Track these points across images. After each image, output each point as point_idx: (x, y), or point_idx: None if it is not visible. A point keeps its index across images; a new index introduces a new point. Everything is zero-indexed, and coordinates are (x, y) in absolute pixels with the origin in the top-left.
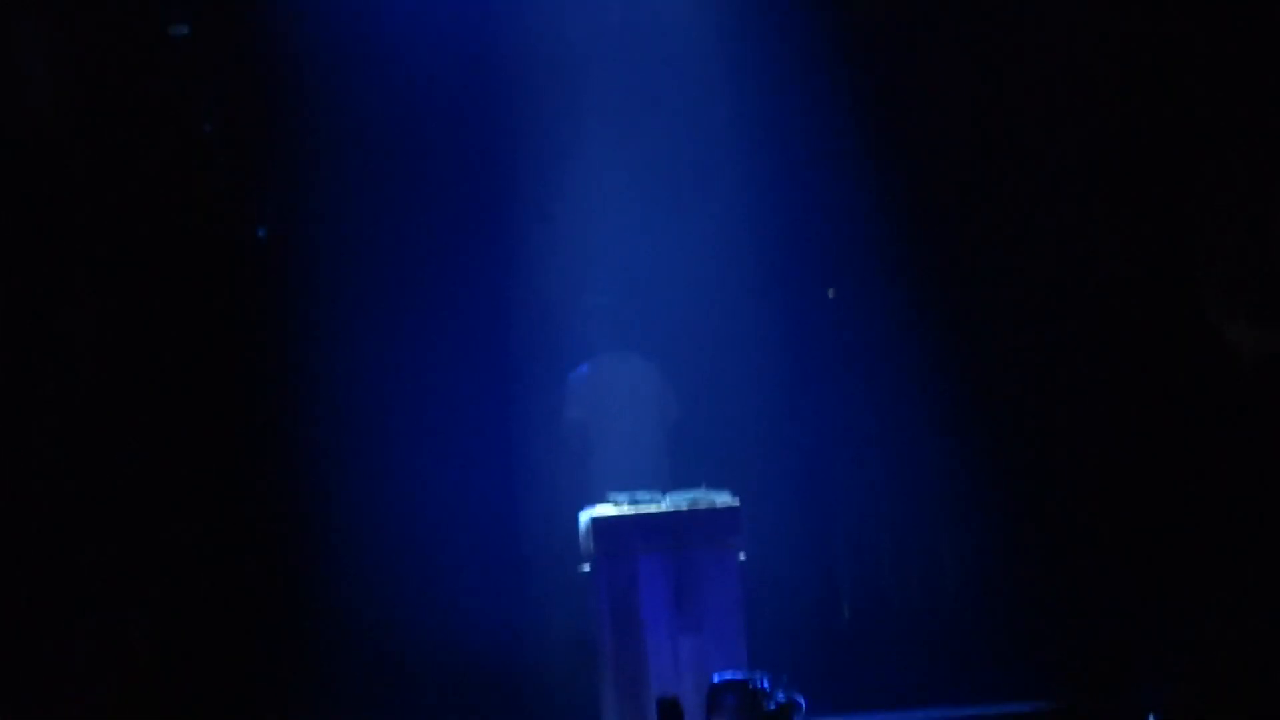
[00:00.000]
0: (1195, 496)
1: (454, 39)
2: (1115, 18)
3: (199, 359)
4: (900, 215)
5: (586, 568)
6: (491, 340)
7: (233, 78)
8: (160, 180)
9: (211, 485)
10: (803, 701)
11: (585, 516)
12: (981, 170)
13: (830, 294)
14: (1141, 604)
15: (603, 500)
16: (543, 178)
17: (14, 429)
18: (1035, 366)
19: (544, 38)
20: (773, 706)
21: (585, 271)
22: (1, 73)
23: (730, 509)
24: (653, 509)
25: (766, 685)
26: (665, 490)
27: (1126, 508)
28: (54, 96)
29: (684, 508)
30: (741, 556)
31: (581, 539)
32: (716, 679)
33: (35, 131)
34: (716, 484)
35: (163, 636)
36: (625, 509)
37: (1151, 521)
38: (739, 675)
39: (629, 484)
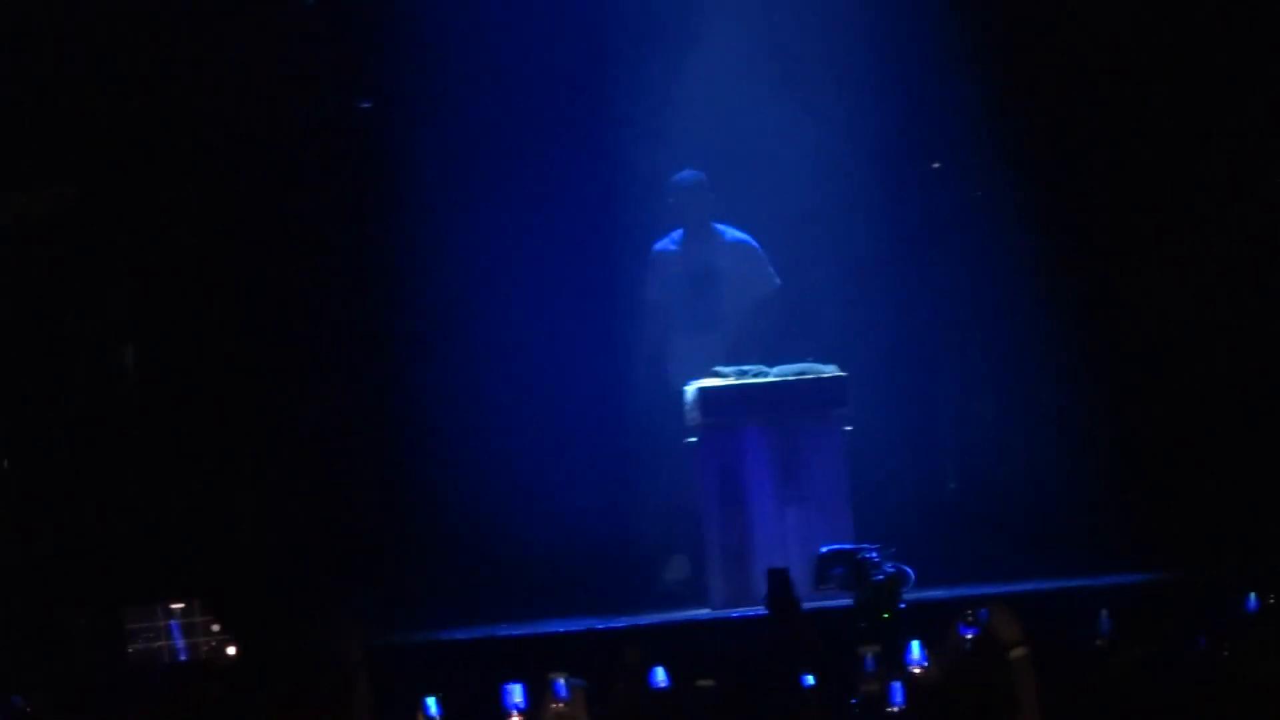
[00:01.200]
0: None
1: None
2: None
3: (301, 240)
4: (1008, 87)
5: (693, 439)
6: (592, 217)
7: None
8: (263, 51)
9: (311, 350)
10: (911, 572)
11: (692, 388)
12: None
13: (935, 165)
14: (1248, 479)
15: (709, 372)
16: (641, 54)
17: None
18: (1135, 246)
19: None
20: (880, 577)
21: (687, 148)
22: None
23: (836, 380)
24: (758, 380)
25: (875, 556)
26: (772, 362)
27: (1237, 384)
28: None
29: (790, 379)
30: (848, 428)
31: (688, 410)
32: (824, 550)
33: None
34: (823, 357)
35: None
36: (731, 380)
37: (1262, 402)
38: (847, 546)
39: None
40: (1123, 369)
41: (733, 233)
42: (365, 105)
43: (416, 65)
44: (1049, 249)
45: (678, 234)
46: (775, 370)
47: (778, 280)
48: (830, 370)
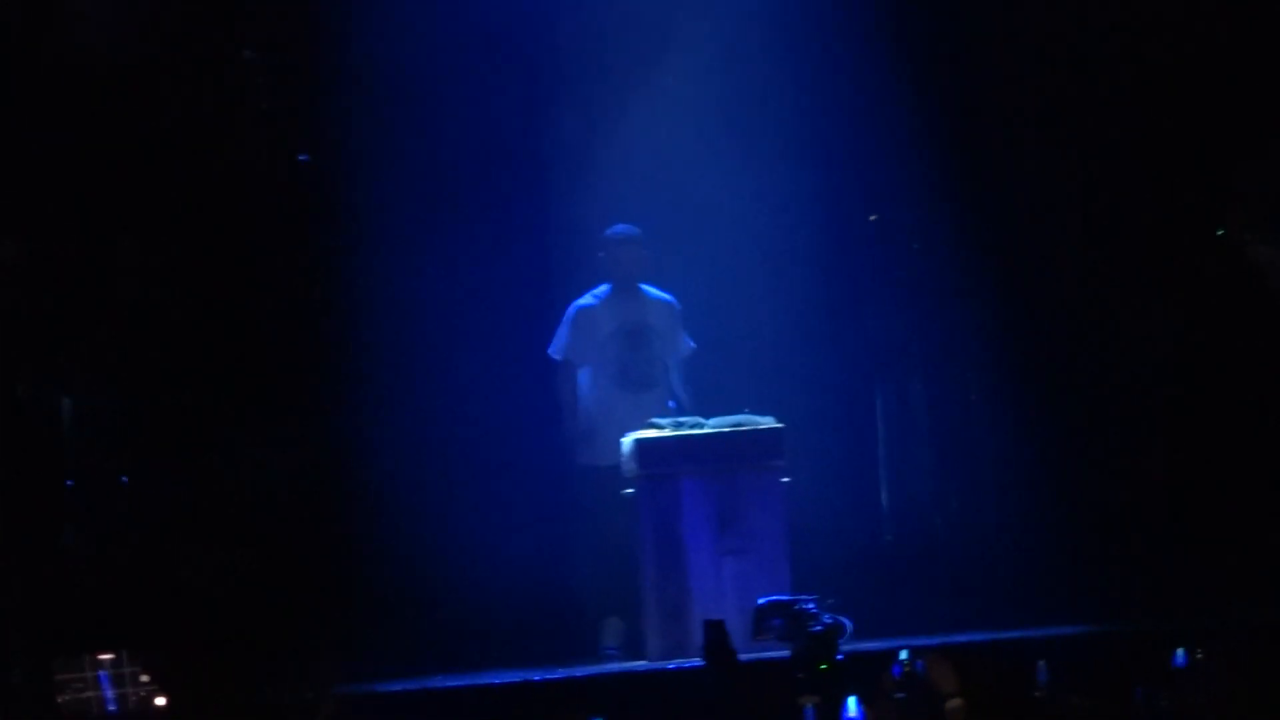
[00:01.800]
0: (1242, 429)
1: None
2: None
3: (244, 288)
4: (943, 140)
5: (630, 491)
6: (536, 257)
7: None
8: (203, 108)
9: (248, 400)
10: (849, 624)
11: (629, 439)
12: (1024, 94)
13: (872, 219)
14: (1183, 533)
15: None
16: (580, 101)
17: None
18: (1079, 291)
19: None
20: (818, 628)
21: (622, 201)
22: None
23: (774, 431)
24: (696, 431)
25: (812, 607)
26: (708, 414)
27: (1170, 433)
28: (98, 26)
29: (727, 430)
30: (785, 479)
31: (624, 462)
32: (762, 601)
33: (78, 60)
34: (760, 408)
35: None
36: (668, 431)
37: (1197, 452)
38: (784, 597)
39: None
40: (1060, 421)
41: (657, 292)
42: (304, 159)
43: (355, 118)
44: (984, 303)
45: (603, 290)
46: (712, 421)
47: (692, 344)
48: (767, 421)
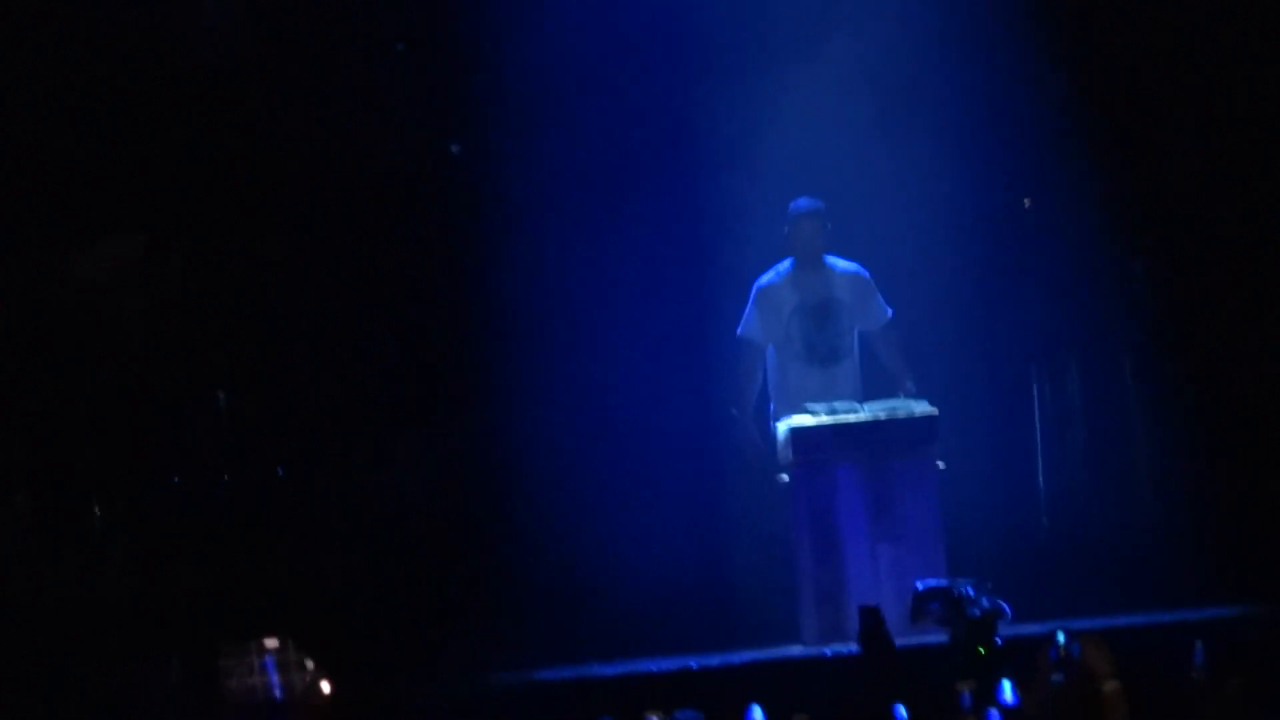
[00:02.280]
0: None
1: None
2: None
3: (392, 275)
4: (1100, 124)
5: (785, 478)
6: (686, 249)
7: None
8: (354, 98)
9: (400, 395)
10: (1008, 608)
11: (784, 426)
12: (1181, 82)
13: (1027, 203)
14: None
15: (801, 410)
16: (735, 84)
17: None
18: (1236, 277)
19: None
20: (977, 613)
21: (781, 184)
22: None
23: (928, 417)
24: (851, 418)
25: (971, 592)
26: (863, 400)
27: None
28: (242, 23)
29: (882, 417)
30: (940, 465)
31: (780, 449)
32: (920, 585)
33: (227, 46)
34: (916, 393)
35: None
36: (823, 418)
37: None
38: (943, 582)
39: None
40: (1216, 406)
41: (844, 264)
42: (455, 149)
43: (505, 107)
44: (1141, 288)
45: (785, 266)
46: (867, 407)
47: (890, 311)
48: (922, 407)
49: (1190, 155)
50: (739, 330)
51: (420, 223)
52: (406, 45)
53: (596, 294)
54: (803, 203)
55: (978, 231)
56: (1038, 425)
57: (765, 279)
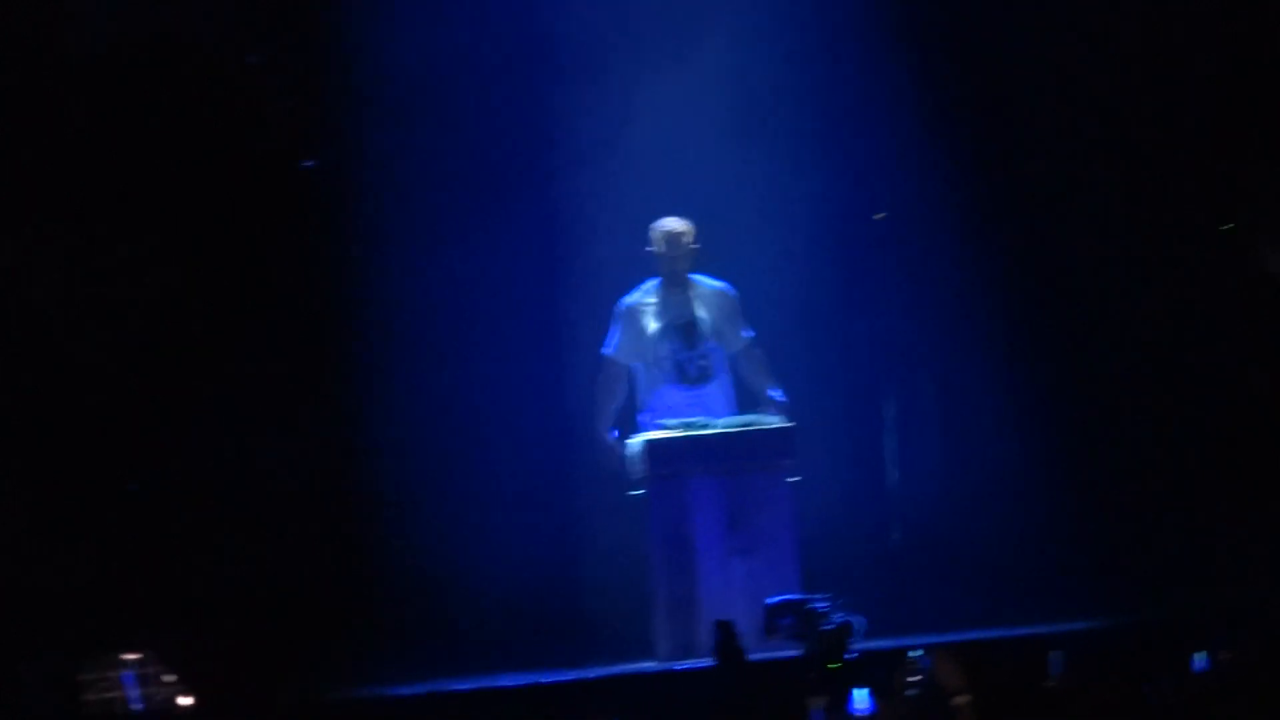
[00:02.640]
0: (1248, 424)
1: None
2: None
3: (249, 289)
4: (953, 136)
5: (639, 492)
6: (544, 259)
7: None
8: (207, 111)
9: (258, 414)
10: (860, 622)
11: (637, 440)
12: (1035, 92)
13: (879, 216)
14: (1193, 523)
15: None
16: (598, 98)
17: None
18: (1088, 286)
19: None
20: (829, 627)
21: (638, 196)
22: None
23: (782, 430)
24: (705, 432)
25: (823, 606)
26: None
27: (1178, 425)
28: (98, 28)
29: (736, 430)
30: (795, 479)
31: (634, 462)
32: (772, 600)
33: (78, 62)
34: (783, 407)
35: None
36: (678, 431)
37: (1205, 443)
38: (795, 596)
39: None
40: (1068, 416)
41: (711, 282)
42: (309, 165)
43: (362, 122)
44: (993, 299)
45: (652, 285)
46: (721, 421)
47: (747, 334)
48: (776, 421)
49: (1043, 163)
50: (604, 349)
51: (278, 231)
52: (260, 57)
53: (454, 304)
54: (669, 222)
55: (831, 242)
56: (889, 437)
57: (631, 298)
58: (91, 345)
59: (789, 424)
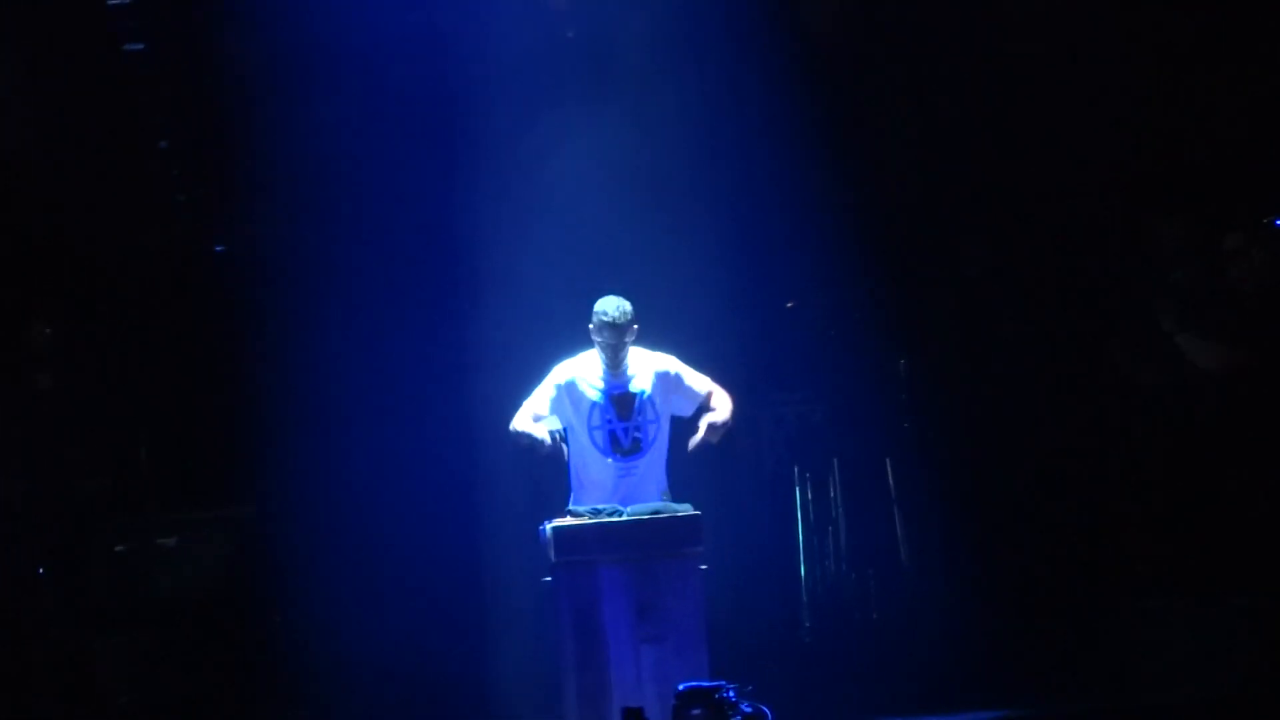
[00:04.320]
0: (1167, 500)
1: (412, 43)
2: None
3: (161, 367)
4: (862, 226)
5: (548, 578)
6: (451, 351)
7: (188, 94)
8: (117, 196)
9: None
10: (769, 713)
11: (547, 527)
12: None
13: (789, 305)
14: (1107, 613)
15: (563, 512)
16: (507, 187)
17: None
18: (996, 376)
19: (504, 43)
20: (738, 718)
21: (545, 283)
22: None
23: (691, 518)
24: (613, 519)
25: (733, 696)
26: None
27: (1090, 513)
28: (10, 108)
29: (645, 517)
30: (703, 567)
31: (544, 550)
32: (682, 687)
33: None
34: (678, 496)
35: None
36: (586, 519)
37: (1118, 531)
38: (705, 684)
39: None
40: (977, 505)
41: (649, 355)
42: (219, 250)
43: (273, 207)
44: (902, 388)
45: (590, 356)
46: (629, 509)
47: (700, 392)
48: (685, 509)
49: (958, 258)
50: (525, 401)
51: (185, 317)
52: (169, 142)
53: (364, 384)
54: (609, 309)
55: (740, 330)
56: (800, 527)
57: (568, 366)
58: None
59: (696, 513)
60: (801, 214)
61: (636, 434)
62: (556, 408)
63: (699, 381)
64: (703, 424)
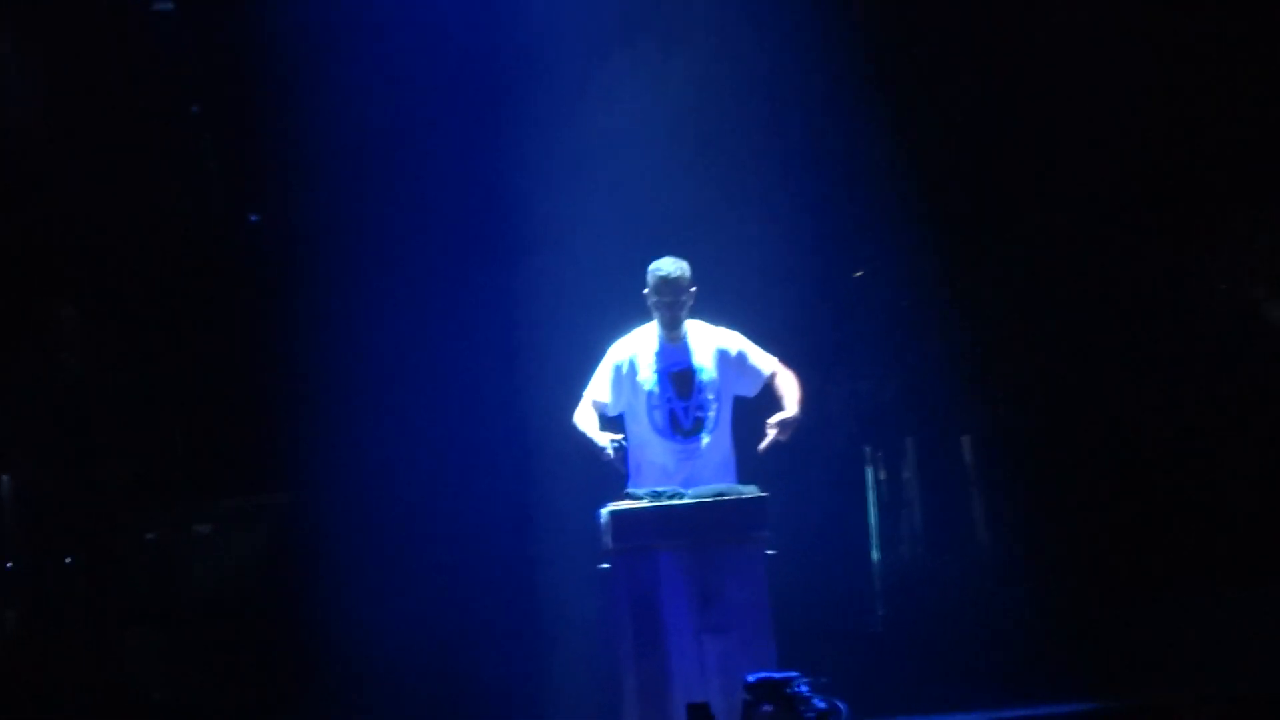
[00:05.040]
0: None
1: (455, 23)
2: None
3: (193, 349)
4: (936, 195)
5: (605, 566)
6: (502, 330)
7: (220, 57)
8: (148, 164)
9: (209, 479)
10: (844, 708)
11: (604, 511)
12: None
13: (858, 275)
14: (1185, 603)
15: (621, 495)
16: (560, 153)
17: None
18: (1085, 349)
19: (546, 26)
20: (812, 716)
21: (600, 255)
22: None
23: (757, 500)
24: (675, 502)
25: (805, 690)
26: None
27: (1165, 508)
28: (35, 79)
29: (707, 500)
30: (770, 552)
31: (601, 535)
32: (751, 679)
33: (16, 117)
34: (743, 477)
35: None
36: (645, 503)
37: (1199, 517)
38: (775, 675)
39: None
40: (1060, 487)
41: (711, 330)
42: (254, 219)
43: (308, 175)
44: (980, 361)
45: (647, 331)
46: (692, 491)
47: (770, 365)
48: (750, 490)
49: (1027, 229)
50: (586, 389)
51: (219, 293)
52: (200, 106)
53: (408, 364)
54: (665, 265)
55: (807, 304)
56: (872, 509)
57: (625, 344)
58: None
59: (763, 494)
60: (873, 179)
61: (698, 413)
62: (617, 390)
63: (763, 360)
64: (772, 423)
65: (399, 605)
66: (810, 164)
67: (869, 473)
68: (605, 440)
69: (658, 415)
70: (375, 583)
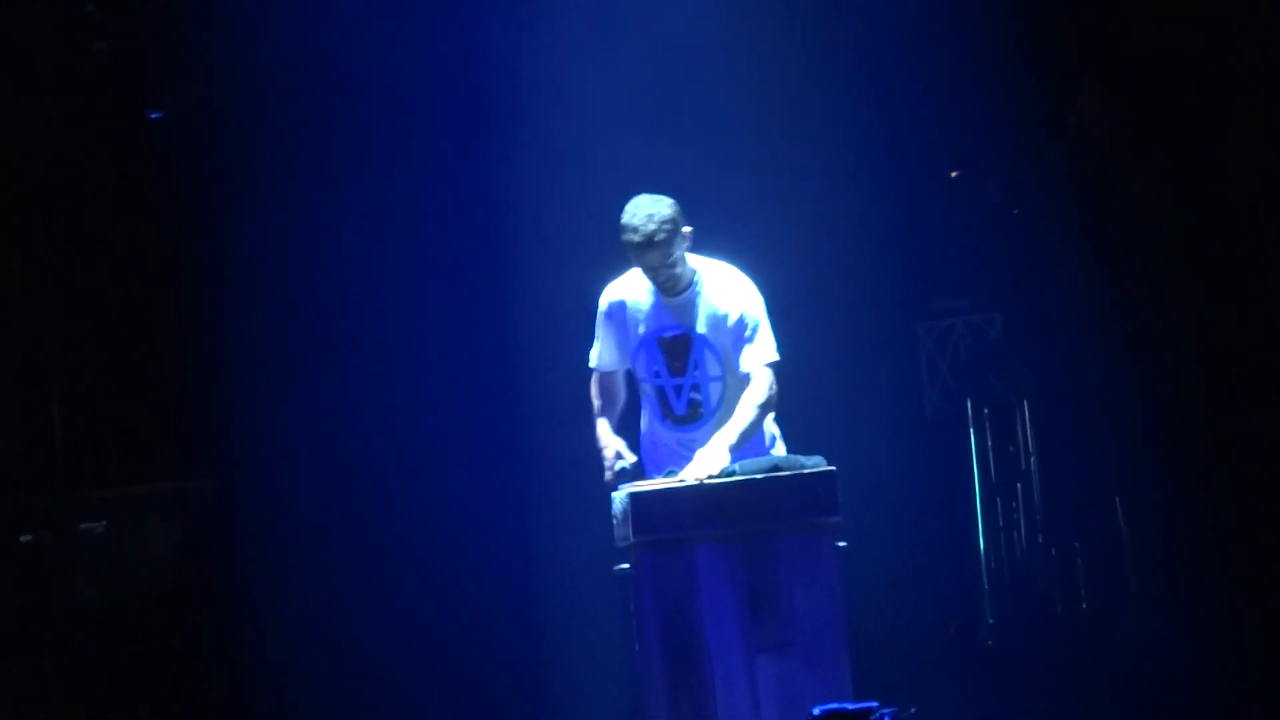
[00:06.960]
0: None
1: None
2: None
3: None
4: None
5: (624, 566)
6: (474, 270)
7: None
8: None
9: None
10: None
11: (620, 495)
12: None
13: (954, 175)
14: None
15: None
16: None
17: None
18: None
19: None
20: None
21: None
22: None
23: (824, 475)
24: (718, 481)
25: None
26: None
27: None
28: None
29: (760, 476)
30: (842, 544)
31: (617, 526)
32: (817, 712)
33: None
34: (805, 446)
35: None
36: (679, 481)
37: None
38: (849, 707)
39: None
40: (1225, 452)
41: (718, 280)
42: (156, 116)
43: (221, 63)
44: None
45: (636, 276)
46: (737, 464)
47: (769, 359)
48: (815, 462)
49: (1168, 181)
50: (590, 360)
51: (112, 214)
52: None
53: (362, 307)
54: (636, 214)
55: (887, 211)
56: (976, 486)
57: (615, 288)
58: None
59: (829, 468)
60: (968, 55)
61: (694, 395)
62: (615, 348)
63: (752, 352)
64: (698, 457)
65: (354, 610)
66: (886, 31)
67: (972, 437)
68: (611, 453)
69: (648, 390)
70: (323, 584)
